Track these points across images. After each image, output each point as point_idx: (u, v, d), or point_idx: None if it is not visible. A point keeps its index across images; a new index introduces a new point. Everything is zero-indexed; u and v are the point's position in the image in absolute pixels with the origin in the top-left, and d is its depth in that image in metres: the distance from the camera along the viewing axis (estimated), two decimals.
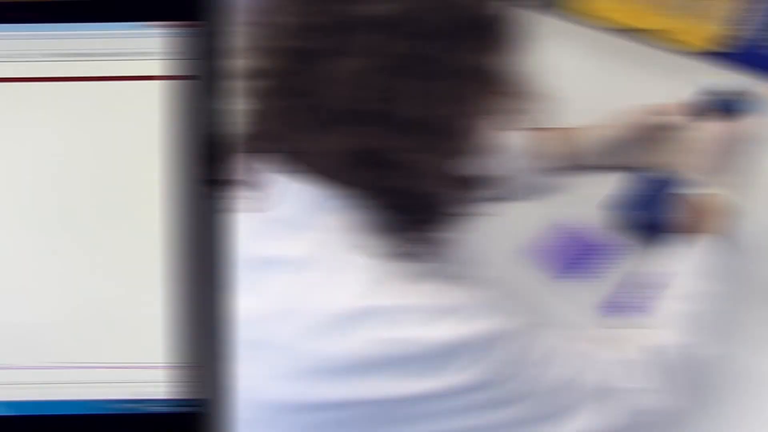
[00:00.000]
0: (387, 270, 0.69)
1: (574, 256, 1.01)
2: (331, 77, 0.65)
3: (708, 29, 1.18)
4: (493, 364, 0.69)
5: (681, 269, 0.85)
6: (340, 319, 0.66)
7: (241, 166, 0.71)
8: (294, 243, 0.69)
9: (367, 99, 0.65)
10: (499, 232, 1.06)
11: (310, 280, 0.68)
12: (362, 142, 0.66)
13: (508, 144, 0.86)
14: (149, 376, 0.64)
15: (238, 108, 0.68)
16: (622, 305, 0.87)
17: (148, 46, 0.62)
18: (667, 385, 0.79)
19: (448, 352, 0.68)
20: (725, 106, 0.87)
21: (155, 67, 0.62)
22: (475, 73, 0.67)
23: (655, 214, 0.98)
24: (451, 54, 0.66)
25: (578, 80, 1.22)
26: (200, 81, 0.64)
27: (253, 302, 0.69)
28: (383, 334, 0.66)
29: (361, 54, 0.64)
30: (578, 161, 1.05)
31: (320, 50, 0.65)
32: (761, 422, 0.87)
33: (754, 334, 0.93)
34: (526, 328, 0.74)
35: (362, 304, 0.67)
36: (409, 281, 0.69)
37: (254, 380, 0.68)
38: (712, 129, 0.87)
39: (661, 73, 1.20)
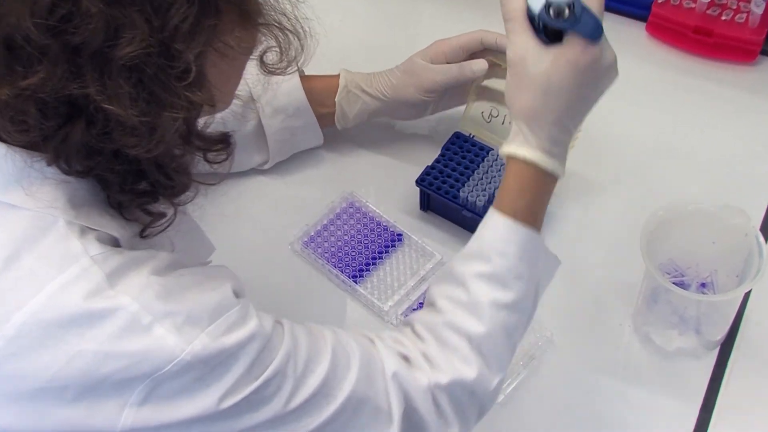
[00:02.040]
0: (120, 260, 0.56)
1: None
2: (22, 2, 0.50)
3: None
4: (268, 376, 0.58)
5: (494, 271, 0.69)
6: (54, 328, 0.54)
7: None
8: None
9: (64, 30, 0.50)
10: (267, 215, 0.95)
11: (10, 277, 0.54)
12: (62, 86, 0.51)
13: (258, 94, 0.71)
14: None
15: None
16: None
17: None
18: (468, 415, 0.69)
19: (208, 365, 0.56)
20: (556, 25, 0.66)
21: None
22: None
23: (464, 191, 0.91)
24: None
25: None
26: None
27: None
28: (120, 344, 0.54)
29: None
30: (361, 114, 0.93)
31: None
32: None
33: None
34: (298, 330, 0.64)
35: (90, 306, 0.54)
36: (150, 274, 0.56)
37: None
38: (542, 58, 0.67)
39: None
